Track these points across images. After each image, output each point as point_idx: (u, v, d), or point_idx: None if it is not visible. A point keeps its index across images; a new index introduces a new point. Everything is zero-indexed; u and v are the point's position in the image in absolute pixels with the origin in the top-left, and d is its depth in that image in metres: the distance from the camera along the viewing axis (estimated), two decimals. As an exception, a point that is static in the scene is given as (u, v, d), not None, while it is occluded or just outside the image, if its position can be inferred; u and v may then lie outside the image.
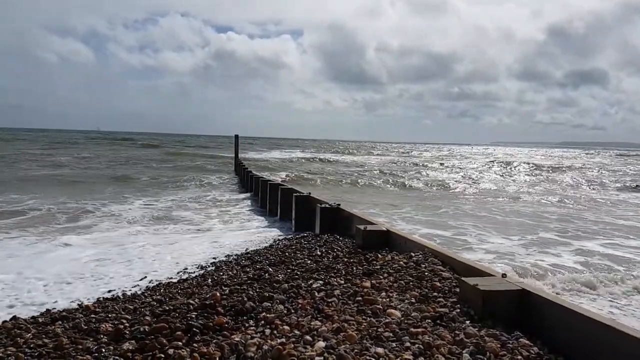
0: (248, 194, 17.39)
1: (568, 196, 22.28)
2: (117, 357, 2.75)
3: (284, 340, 2.82)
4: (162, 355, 2.72)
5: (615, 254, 9.61)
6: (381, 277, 4.18)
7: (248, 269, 5.44)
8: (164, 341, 2.89)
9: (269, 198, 12.19)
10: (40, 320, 3.94)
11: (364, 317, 3.23)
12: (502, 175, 35.30)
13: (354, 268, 4.59)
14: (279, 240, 8.02)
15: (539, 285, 6.69)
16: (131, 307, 4.16)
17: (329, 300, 3.62)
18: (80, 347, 2.97)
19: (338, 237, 6.76)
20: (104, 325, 3.35)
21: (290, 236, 8.17)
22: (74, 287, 5.96)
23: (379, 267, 4.51)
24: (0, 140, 60.84)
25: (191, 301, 3.77)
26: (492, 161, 52.86)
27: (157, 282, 5.94)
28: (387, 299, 3.57)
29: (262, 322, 3.18)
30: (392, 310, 3.28)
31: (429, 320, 3.09)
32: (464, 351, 2.61)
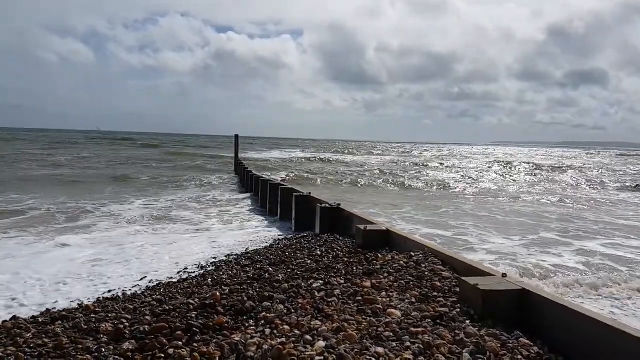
0: (248, 194, 17.39)
1: (568, 196, 22.28)
2: (117, 357, 2.75)
3: (284, 339, 2.82)
4: (162, 355, 2.71)
5: (617, 254, 9.60)
6: (381, 276, 4.18)
7: (248, 269, 5.44)
8: (164, 341, 2.89)
9: (269, 198, 12.19)
10: (40, 320, 3.94)
11: (364, 316, 3.23)
12: (502, 175, 35.30)
13: (354, 268, 4.59)
14: (279, 240, 8.02)
15: (541, 285, 6.68)
16: (131, 306, 4.16)
17: (329, 300, 3.61)
18: (80, 346, 2.97)
19: (338, 236, 6.76)
20: (104, 325, 3.35)
21: (290, 236, 8.17)
22: (73, 287, 5.96)
23: (379, 266, 4.51)
24: (0, 140, 60.86)
25: (191, 301, 3.77)
26: (492, 161, 52.87)
27: (157, 282, 5.94)
28: (387, 299, 3.57)
29: (262, 321, 3.18)
30: (392, 310, 3.27)
31: (429, 320, 3.09)
32: (464, 351, 2.60)
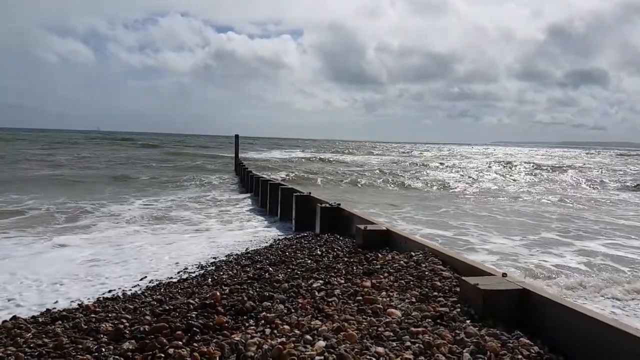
0: (248, 194, 17.39)
1: (568, 196, 22.28)
2: (117, 357, 2.74)
3: (284, 339, 2.82)
4: (162, 355, 2.71)
5: (618, 254, 9.59)
6: (381, 276, 4.18)
7: (248, 269, 5.44)
8: (164, 341, 2.88)
9: (269, 198, 12.19)
10: (40, 320, 3.94)
11: (364, 316, 3.23)
12: (502, 175, 35.30)
13: (354, 267, 4.59)
14: (279, 239, 8.02)
15: (545, 286, 6.67)
16: (131, 306, 4.16)
17: (329, 299, 3.61)
18: (80, 346, 2.97)
19: (338, 236, 6.76)
20: (104, 325, 3.35)
21: (290, 236, 8.17)
22: (71, 288, 5.96)
23: (379, 266, 4.50)
24: (0, 140, 60.85)
25: (191, 301, 3.76)
26: (492, 161, 52.88)
27: (157, 282, 5.94)
28: (388, 299, 3.56)
29: (262, 321, 3.18)
30: (393, 310, 3.27)
31: (430, 320, 3.09)
32: (464, 350, 2.60)
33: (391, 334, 2.87)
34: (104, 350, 2.84)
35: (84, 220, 11.61)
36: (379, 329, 2.94)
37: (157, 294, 4.88)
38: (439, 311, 3.21)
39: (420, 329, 2.90)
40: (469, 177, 32.69)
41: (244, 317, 3.34)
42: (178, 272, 6.50)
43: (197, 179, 24.25)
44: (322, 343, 2.72)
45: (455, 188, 25.45)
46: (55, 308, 4.86)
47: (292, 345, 2.70)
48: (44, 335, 3.29)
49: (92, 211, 12.92)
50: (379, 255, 4.91)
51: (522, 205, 18.35)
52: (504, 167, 43.95)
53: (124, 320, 3.43)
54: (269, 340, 2.80)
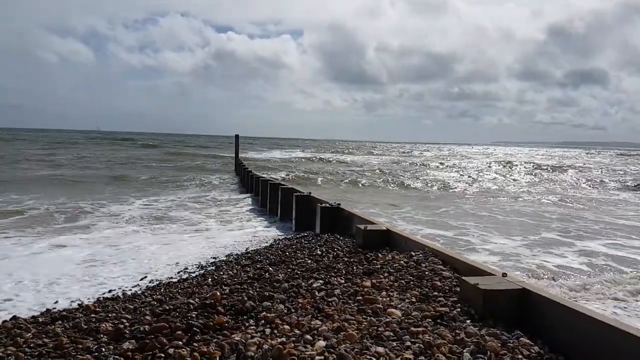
0: (248, 194, 17.39)
1: (568, 196, 22.27)
2: (117, 357, 2.74)
3: (284, 339, 2.82)
4: (162, 355, 2.71)
5: (619, 254, 9.58)
6: (381, 276, 4.17)
7: (248, 269, 5.44)
8: (164, 340, 2.88)
9: (269, 198, 12.19)
10: (40, 319, 3.94)
11: (364, 316, 3.22)
12: (502, 175, 35.30)
13: (355, 267, 4.59)
14: (279, 239, 8.02)
15: (545, 286, 6.65)
16: (131, 306, 4.16)
17: (329, 299, 3.61)
18: (80, 346, 2.97)
19: (338, 236, 6.76)
20: (104, 325, 3.35)
21: (290, 236, 8.17)
22: (71, 288, 5.96)
23: (379, 266, 4.50)
24: (0, 140, 60.85)
25: (191, 300, 3.76)
26: (493, 161, 52.87)
27: (157, 282, 5.94)
28: (388, 299, 3.56)
29: (263, 321, 3.18)
30: (393, 310, 3.27)
31: (430, 320, 3.09)
32: (464, 350, 2.60)
33: (391, 333, 2.87)
34: (104, 350, 2.84)
35: (83, 220, 11.60)
36: (379, 329, 2.93)
37: (157, 294, 4.88)
38: (439, 311, 3.21)
39: (420, 329, 2.89)
40: (469, 177, 32.68)
41: (244, 317, 3.34)
42: (178, 272, 6.50)
43: (197, 179, 24.26)
44: (322, 343, 2.71)
45: (456, 188, 25.44)
46: (55, 308, 4.86)
47: (292, 345, 2.70)
48: (44, 335, 3.29)
49: (92, 211, 12.92)
50: (379, 255, 4.91)
51: (522, 205, 18.35)
52: (504, 167, 43.96)
53: (124, 320, 3.43)
54: (269, 340, 2.80)
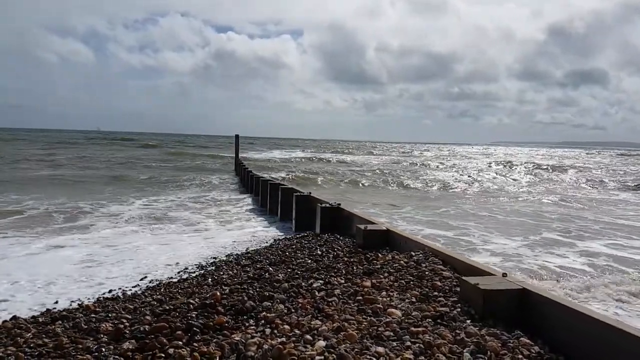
0: (248, 194, 17.40)
1: (568, 196, 22.27)
2: (117, 357, 2.74)
3: (284, 339, 2.82)
4: (163, 355, 2.71)
5: (621, 254, 9.57)
6: (381, 276, 4.17)
7: (248, 269, 5.44)
8: (164, 340, 2.88)
9: (269, 198, 12.19)
10: (40, 319, 3.94)
11: (364, 316, 3.22)
12: (502, 175, 35.29)
13: (355, 267, 4.59)
14: (279, 239, 8.02)
15: (549, 287, 6.63)
16: (131, 306, 4.16)
17: (329, 299, 3.61)
18: (80, 346, 2.97)
19: (338, 236, 6.75)
20: (104, 325, 3.35)
21: (290, 236, 8.17)
22: (71, 288, 5.96)
23: (379, 266, 4.50)
24: (0, 140, 60.83)
25: (191, 300, 3.76)
26: (493, 161, 52.85)
27: (157, 282, 5.94)
28: (388, 299, 3.56)
29: (263, 321, 3.18)
30: (393, 310, 3.27)
31: (430, 320, 3.09)
32: (464, 350, 2.60)
33: (391, 333, 2.86)
34: (104, 350, 2.84)
35: (83, 221, 11.59)
36: (379, 329, 2.93)
37: (157, 294, 4.88)
38: (439, 311, 3.21)
39: (420, 329, 2.89)
40: (469, 177, 32.67)
41: (244, 317, 3.34)
42: (178, 272, 6.51)
43: (197, 179, 24.25)
44: (322, 343, 2.71)
45: (456, 188, 25.44)
46: (55, 308, 4.86)
47: (292, 345, 2.70)
48: (44, 335, 3.29)
49: (92, 211, 12.91)
50: (379, 255, 4.91)
51: (523, 205, 18.35)
52: (504, 167, 43.94)
53: (124, 320, 3.43)
54: (269, 340, 2.80)
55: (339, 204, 7.86)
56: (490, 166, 44.76)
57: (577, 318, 2.68)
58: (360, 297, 3.61)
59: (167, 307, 3.69)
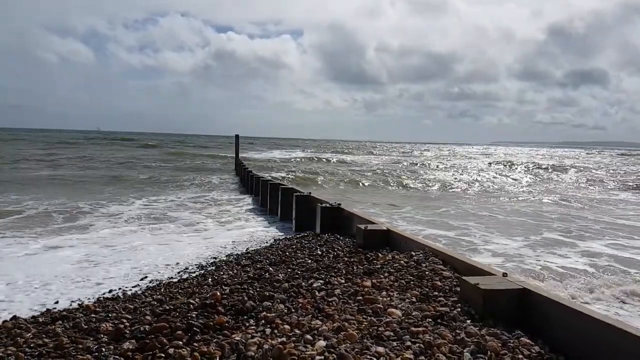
0: (248, 194, 17.40)
1: (569, 195, 22.27)
2: (117, 357, 2.74)
3: (284, 339, 2.82)
4: (163, 355, 2.71)
5: (622, 255, 9.55)
6: (382, 276, 4.17)
7: (248, 269, 5.44)
8: (165, 340, 2.88)
9: (270, 198, 12.19)
10: (40, 319, 3.94)
11: (364, 316, 3.22)
12: (502, 175, 35.29)
13: (355, 267, 4.59)
14: (279, 239, 8.02)
15: (551, 288, 6.63)
16: (131, 306, 4.16)
17: (330, 299, 3.61)
18: (81, 346, 2.97)
19: (338, 236, 6.76)
20: (104, 325, 3.35)
21: (290, 236, 8.17)
22: (71, 288, 5.95)
23: (379, 266, 4.50)
24: (0, 140, 60.83)
25: (191, 300, 3.76)
26: (493, 161, 52.85)
27: (158, 282, 5.94)
28: (388, 298, 3.56)
29: (263, 321, 3.18)
30: (393, 310, 3.27)
31: (430, 320, 3.09)
32: (464, 350, 2.60)
33: (391, 333, 2.86)
34: (104, 350, 2.84)
35: (82, 221, 11.59)
36: (380, 329, 2.93)
37: (158, 294, 4.88)
38: (439, 311, 3.21)
39: (420, 329, 2.89)
40: (470, 177, 32.67)
41: (245, 317, 3.34)
42: (178, 272, 6.51)
43: (197, 179, 24.25)
44: (322, 343, 2.71)
45: (456, 188, 25.44)
46: (55, 308, 4.86)
47: (293, 345, 2.70)
48: (44, 335, 3.29)
49: (91, 211, 12.91)
50: (379, 255, 4.91)
51: (523, 205, 18.34)
52: (504, 166, 43.94)
53: (124, 320, 3.43)
54: (270, 340, 2.80)
55: (339, 204, 7.86)
56: (490, 166, 44.76)
57: (578, 318, 2.68)
58: (361, 297, 3.61)
59: (168, 307, 3.69)
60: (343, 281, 4.12)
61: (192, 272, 6.35)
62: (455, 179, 30.65)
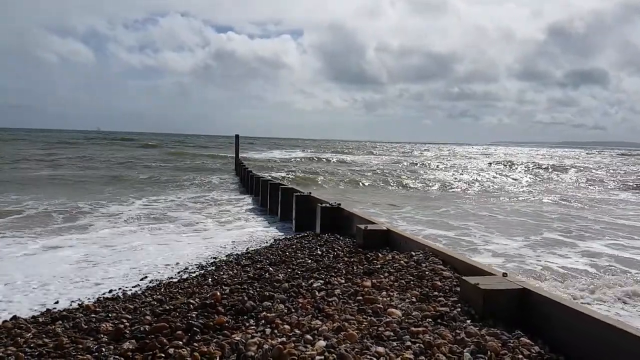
0: (248, 194, 17.40)
1: (569, 195, 22.28)
2: (117, 357, 2.74)
3: (284, 339, 2.82)
4: (163, 355, 2.71)
5: (622, 255, 9.55)
6: (382, 276, 4.17)
7: (248, 269, 5.44)
8: (165, 340, 2.88)
9: (270, 198, 12.19)
10: (40, 319, 3.94)
11: (364, 316, 3.22)
12: (502, 175, 35.28)
13: (355, 267, 4.59)
14: (279, 239, 8.02)
15: (552, 289, 6.62)
16: (131, 306, 4.16)
17: (330, 299, 3.61)
18: (81, 346, 2.97)
19: (338, 236, 6.76)
20: (104, 325, 3.35)
21: (290, 236, 8.17)
22: (70, 288, 5.95)
23: (379, 266, 4.50)
24: (0, 140, 60.82)
25: (192, 300, 3.76)
26: (493, 161, 52.84)
27: (158, 282, 5.94)
28: (388, 298, 3.56)
29: (263, 321, 3.18)
30: (393, 310, 3.27)
31: (430, 320, 3.09)
32: (464, 350, 2.60)
33: (391, 333, 2.86)
34: (104, 350, 2.84)
35: (82, 221, 11.58)
36: (380, 329, 2.93)
37: (158, 294, 4.88)
38: (439, 311, 3.21)
39: (420, 329, 2.89)
40: (470, 177, 32.67)
41: (245, 317, 3.34)
42: (178, 272, 6.51)
43: (197, 179, 24.25)
44: (322, 343, 2.71)
45: (456, 188, 25.44)
46: (55, 308, 4.86)
47: (293, 345, 2.70)
48: (44, 335, 3.29)
49: (91, 211, 12.91)
50: (379, 255, 4.91)
51: (523, 205, 18.34)
52: (505, 166, 43.94)
53: (124, 320, 3.43)
54: (270, 340, 2.80)
55: (339, 204, 7.86)
56: (490, 166, 44.75)
57: (578, 318, 2.68)
58: (361, 297, 3.61)
59: (167, 307, 3.69)
60: (343, 281, 4.12)
61: (192, 272, 6.35)
62: (455, 179, 30.65)
